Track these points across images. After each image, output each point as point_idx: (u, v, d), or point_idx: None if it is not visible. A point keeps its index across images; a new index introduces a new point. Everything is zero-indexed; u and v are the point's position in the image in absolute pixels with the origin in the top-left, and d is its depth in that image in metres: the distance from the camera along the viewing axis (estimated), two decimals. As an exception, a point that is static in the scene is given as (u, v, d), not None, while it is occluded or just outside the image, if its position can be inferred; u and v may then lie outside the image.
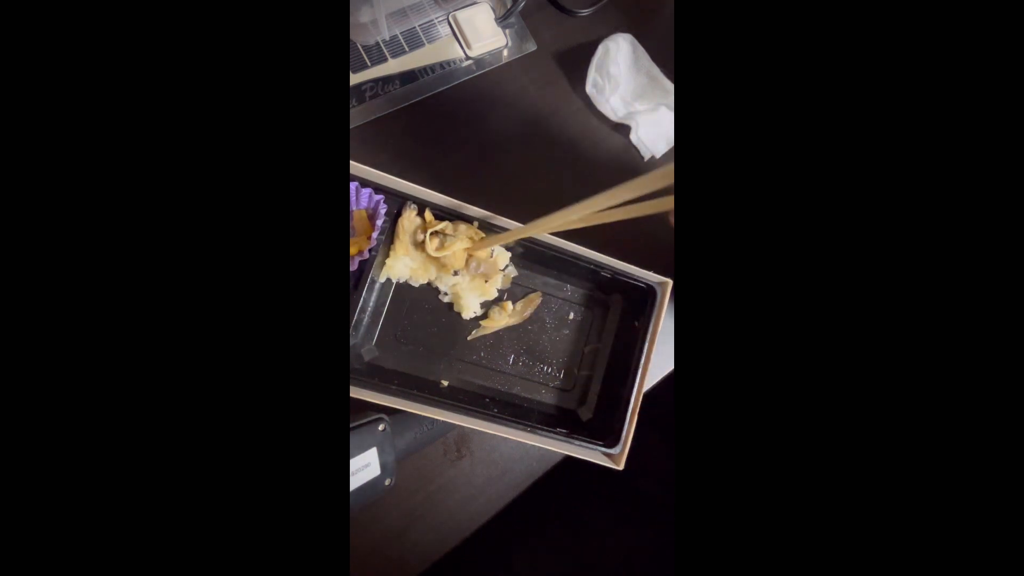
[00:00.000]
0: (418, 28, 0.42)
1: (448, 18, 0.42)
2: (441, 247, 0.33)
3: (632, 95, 0.44)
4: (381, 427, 0.31)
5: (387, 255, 0.34)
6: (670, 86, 0.44)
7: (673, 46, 0.45)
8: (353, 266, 0.33)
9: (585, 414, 0.38)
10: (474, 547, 0.37)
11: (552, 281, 0.39)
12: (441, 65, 0.42)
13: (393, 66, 0.41)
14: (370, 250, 0.33)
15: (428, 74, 0.41)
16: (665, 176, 0.20)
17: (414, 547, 0.36)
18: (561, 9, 0.44)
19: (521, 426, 0.34)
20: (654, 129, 0.43)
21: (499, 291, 0.37)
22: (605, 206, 0.24)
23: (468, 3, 0.42)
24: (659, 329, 0.36)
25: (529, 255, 0.37)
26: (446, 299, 0.37)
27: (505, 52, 0.43)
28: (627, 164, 0.44)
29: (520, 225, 0.34)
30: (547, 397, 0.38)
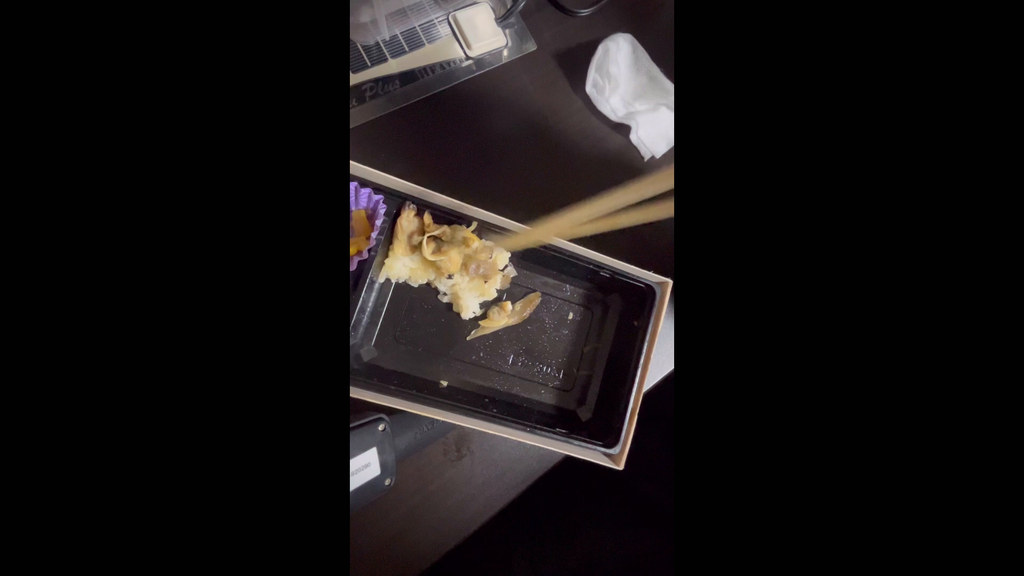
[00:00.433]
0: (418, 28, 0.42)
1: (448, 18, 0.42)
2: (438, 251, 0.33)
3: (632, 95, 0.44)
4: (381, 427, 0.31)
5: (386, 255, 0.34)
6: (670, 86, 0.44)
7: (673, 46, 0.45)
8: (352, 266, 0.33)
9: (585, 414, 0.38)
10: (474, 547, 0.37)
11: (551, 281, 0.39)
12: (441, 65, 0.42)
13: (393, 66, 0.41)
14: (369, 250, 0.33)
15: (428, 74, 0.41)
16: (668, 177, 0.20)
17: (414, 547, 0.36)
18: (561, 9, 0.44)
19: (521, 426, 0.34)
20: (654, 129, 0.43)
21: (498, 291, 0.37)
22: (610, 210, 0.24)
23: (468, 3, 0.42)
24: (659, 329, 0.36)
25: (528, 255, 0.37)
26: (445, 299, 0.37)
27: (505, 52, 0.43)
28: (627, 164, 0.44)
29: (520, 227, 0.34)
30: (546, 397, 0.38)
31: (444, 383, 0.36)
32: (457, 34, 0.42)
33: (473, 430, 0.36)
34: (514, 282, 0.38)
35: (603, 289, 0.39)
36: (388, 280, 0.36)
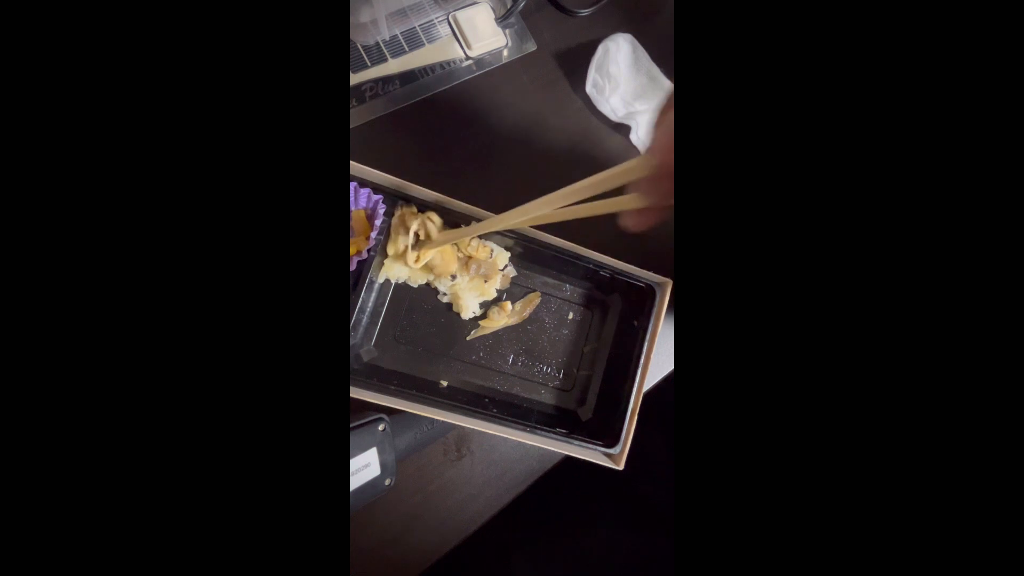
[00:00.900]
0: (418, 28, 0.42)
1: (448, 18, 0.42)
2: (418, 258, 0.33)
3: (632, 95, 0.44)
4: (381, 427, 0.31)
5: (385, 255, 0.34)
6: (670, 86, 0.44)
7: (673, 46, 0.45)
8: (352, 266, 0.33)
9: (585, 414, 0.38)
10: (474, 547, 0.37)
11: (551, 281, 0.39)
12: (441, 65, 0.42)
13: (393, 66, 0.41)
14: (368, 250, 0.33)
15: (428, 74, 0.41)
16: (634, 170, 0.20)
17: (414, 547, 0.36)
18: (561, 9, 0.44)
19: (521, 426, 0.34)
20: (654, 129, 0.43)
21: (498, 291, 0.37)
22: (574, 200, 0.24)
23: (468, 3, 0.42)
24: (659, 329, 0.36)
25: (528, 255, 0.37)
26: (445, 299, 0.37)
27: (505, 52, 0.43)
28: (627, 164, 0.44)
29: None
30: (546, 397, 0.38)
31: (444, 383, 0.36)
32: (457, 34, 0.42)
33: (473, 430, 0.36)
34: (514, 282, 0.38)
35: (603, 289, 0.39)
36: (388, 280, 0.36)
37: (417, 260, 0.33)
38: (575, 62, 0.43)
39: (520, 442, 0.35)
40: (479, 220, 0.34)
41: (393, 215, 0.34)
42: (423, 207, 0.34)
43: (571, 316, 0.39)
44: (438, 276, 0.35)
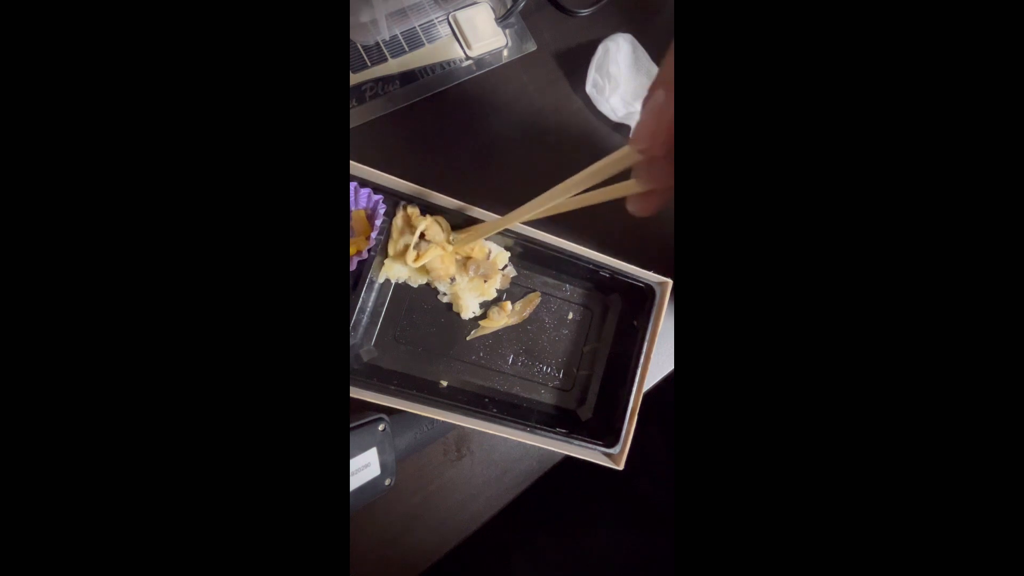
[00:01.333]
0: (418, 28, 0.42)
1: (448, 18, 0.42)
2: (417, 257, 0.33)
3: (632, 95, 0.44)
4: (381, 427, 0.31)
5: (385, 255, 0.34)
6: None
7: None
8: (352, 266, 0.33)
9: (585, 414, 0.38)
10: (474, 547, 0.37)
11: (551, 281, 0.39)
12: (441, 65, 0.42)
13: (393, 66, 0.41)
14: (369, 250, 0.33)
15: (428, 74, 0.41)
16: (626, 157, 0.20)
17: (414, 547, 0.36)
18: (561, 9, 0.44)
19: (521, 426, 0.34)
20: (654, 129, 0.43)
21: (498, 291, 0.37)
22: (575, 191, 0.24)
23: (468, 3, 0.42)
24: (659, 329, 0.36)
25: (528, 255, 0.37)
26: (445, 299, 0.37)
27: (505, 52, 0.43)
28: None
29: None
30: (546, 397, 0.38)
31: (444, 383, 0.36)
32: (457, 34, 0.42)
33: (473, 430, 0.36)
34: (514, 282, 0.38)
35: (603, 289, 0.39)
36: (388, 280, 0.36)
37: (417, 260, 0.33)
38: (575, 62, 0.43)
39: (520, 442, 0.35)
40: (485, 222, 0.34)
41: (394, 215, 0.34)
42: (436, 213, 0.34)
43: (571, 316, 0.39)
44: (435, 279, 0.35)
